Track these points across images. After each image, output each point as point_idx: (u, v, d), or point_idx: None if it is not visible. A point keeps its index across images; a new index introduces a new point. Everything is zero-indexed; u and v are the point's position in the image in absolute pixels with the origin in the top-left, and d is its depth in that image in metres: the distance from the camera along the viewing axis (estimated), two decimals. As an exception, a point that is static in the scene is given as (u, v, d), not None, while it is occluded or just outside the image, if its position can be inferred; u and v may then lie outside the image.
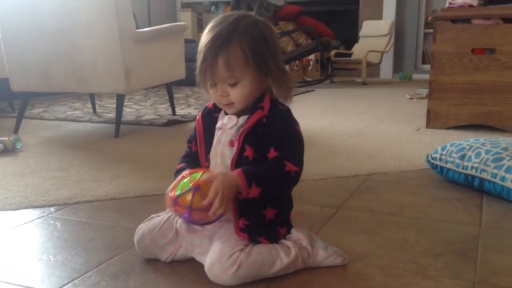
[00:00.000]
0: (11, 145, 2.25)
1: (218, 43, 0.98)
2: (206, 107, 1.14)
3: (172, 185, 1.02)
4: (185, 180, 1.00)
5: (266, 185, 0.99)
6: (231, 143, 1.04)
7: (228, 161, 1.04)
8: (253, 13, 1.06)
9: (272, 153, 1.01)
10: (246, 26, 1.00)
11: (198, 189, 0.96)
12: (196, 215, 0.98)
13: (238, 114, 1.06)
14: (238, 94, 1.02)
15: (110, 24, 2.46)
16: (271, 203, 1.04)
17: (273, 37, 1.05)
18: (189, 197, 0.97)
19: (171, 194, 1.00)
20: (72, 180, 1.77)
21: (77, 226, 1.35)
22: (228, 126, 1.05)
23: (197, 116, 1.14)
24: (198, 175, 0.99)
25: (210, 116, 1.11)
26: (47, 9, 2.56)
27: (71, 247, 1.20)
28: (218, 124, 1.08)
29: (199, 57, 1.01)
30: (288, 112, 1.06)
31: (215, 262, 0.98)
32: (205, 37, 1.01)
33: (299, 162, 1.02)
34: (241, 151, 1.03)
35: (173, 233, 1.10)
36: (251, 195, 0.98)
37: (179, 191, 0.98)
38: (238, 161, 1.03)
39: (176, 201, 0.99)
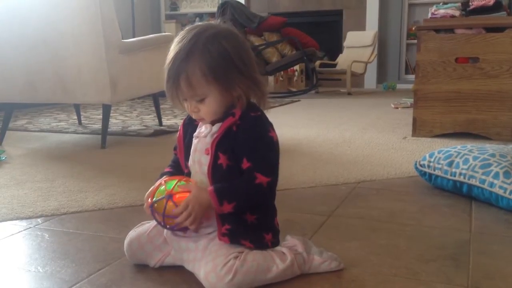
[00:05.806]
0: (-5, 157, 2.22)
1: (177, 64, 0.98)
2: (188, 115, 1.13)
3: (149, 191, 1.05)
4: (161, 188, 1.04)
5: (238, 200, 1.00)
6: (206, 151, 1.04)
7: (205, 169, 1.04)
8: (218, 21, 1.04)
9: (245, 164, 1.00)
10: (205, 42, 0.98)
11: (171, 197, 1.01)
12: (169, 221, 1.02)
13: (213, 122, 1.06)
14: (206, 110, 1.02)
15: (96, 34, 2.45)
16: (250, 210, 1.04)
17: (238, 47, 1.01)
18: (162, 204, 1.01)
19: (149, 200, 1.04)
20: (59, 191, 1.74)
21: (65, 237, 1.33)
22: (202, 134, 1.06)
23: (180, 124, 1.15)
24: (173, 183, 1.03)
25: (191, 124, 1.12)
26: (31, 19, 2.54)
27: (59, 258, 1.18)
28: (196, 132, 1.09)
29: (165, 75, 1.01)
30: (259, 118, 1.03)
31: (210, 270, 0.97)
32: (169, 54, 1.01)
33: (272, 172, 1.01)
34: (215, 159, 1.03)
35: (161, 240, 1.11)
36: (226, 211, 1.00)
37: (155, 197, 1.03)
38: (214, 169, 1.03)
39: (152, 207, 1.03)
